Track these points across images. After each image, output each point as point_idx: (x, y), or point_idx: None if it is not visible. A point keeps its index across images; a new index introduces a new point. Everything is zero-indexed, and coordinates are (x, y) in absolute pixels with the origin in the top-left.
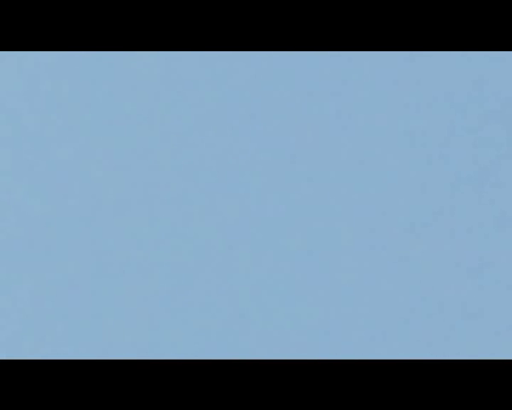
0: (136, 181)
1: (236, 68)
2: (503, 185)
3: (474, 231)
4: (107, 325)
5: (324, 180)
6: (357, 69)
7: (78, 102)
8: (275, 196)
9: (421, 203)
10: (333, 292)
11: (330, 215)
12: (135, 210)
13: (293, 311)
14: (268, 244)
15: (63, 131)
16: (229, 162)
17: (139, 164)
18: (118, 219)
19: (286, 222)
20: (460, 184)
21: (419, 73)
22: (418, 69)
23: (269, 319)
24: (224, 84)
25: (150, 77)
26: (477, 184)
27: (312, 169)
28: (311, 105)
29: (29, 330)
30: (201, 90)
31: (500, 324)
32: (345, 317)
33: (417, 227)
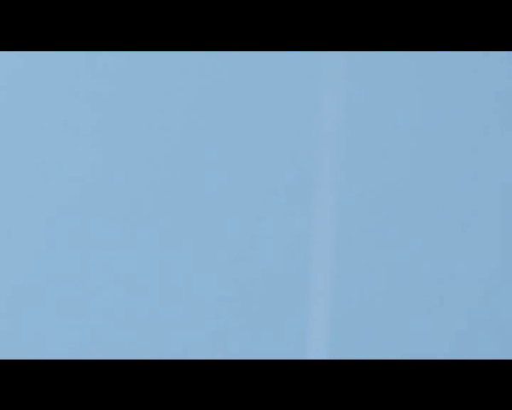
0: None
1: (232, 68)
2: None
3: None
4: (107, 325)
5: (322, 180)
6: (355, 69)
7: (75, 101)
8: (272, 196)
9: (421, 203)
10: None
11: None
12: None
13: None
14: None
15: (62, 131)
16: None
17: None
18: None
19: (278, 223)
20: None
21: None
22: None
23: (267, 319)
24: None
25: (145, 77)
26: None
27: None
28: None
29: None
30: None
31: (500, 324)
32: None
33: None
